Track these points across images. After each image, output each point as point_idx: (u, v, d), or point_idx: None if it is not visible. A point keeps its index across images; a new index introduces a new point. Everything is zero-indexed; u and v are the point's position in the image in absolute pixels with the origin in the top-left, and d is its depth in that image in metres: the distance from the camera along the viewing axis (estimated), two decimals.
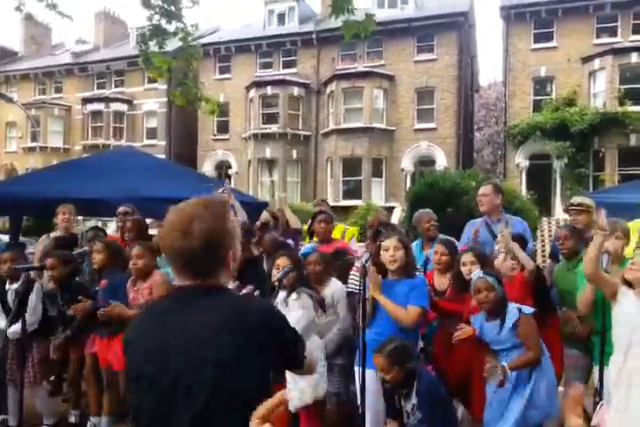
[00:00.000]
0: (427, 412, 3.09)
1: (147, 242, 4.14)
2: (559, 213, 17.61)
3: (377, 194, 21.41)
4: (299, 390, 3.56)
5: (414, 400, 3.15)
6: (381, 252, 3.57)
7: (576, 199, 4.77)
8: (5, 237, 7.78)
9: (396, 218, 17.24)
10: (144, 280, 3.93)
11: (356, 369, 3.58)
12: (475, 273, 3.47)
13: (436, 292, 4.13)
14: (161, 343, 1.47)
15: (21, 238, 8.16)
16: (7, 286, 4.34)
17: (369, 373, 3.44)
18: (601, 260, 3.73)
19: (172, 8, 5.99)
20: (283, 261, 3.70)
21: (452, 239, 4.53)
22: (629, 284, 3.00)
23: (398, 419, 3.28)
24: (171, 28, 6.20)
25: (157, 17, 6.10)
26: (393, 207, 19.72)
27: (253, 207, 6.59)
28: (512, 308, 3.31)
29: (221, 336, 1.43)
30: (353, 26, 5.03)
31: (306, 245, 5.14)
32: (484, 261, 3.78)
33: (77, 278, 4.51)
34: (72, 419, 4.63)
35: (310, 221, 5.27)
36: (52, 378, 4.72)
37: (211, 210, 1.54)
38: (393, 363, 3.16)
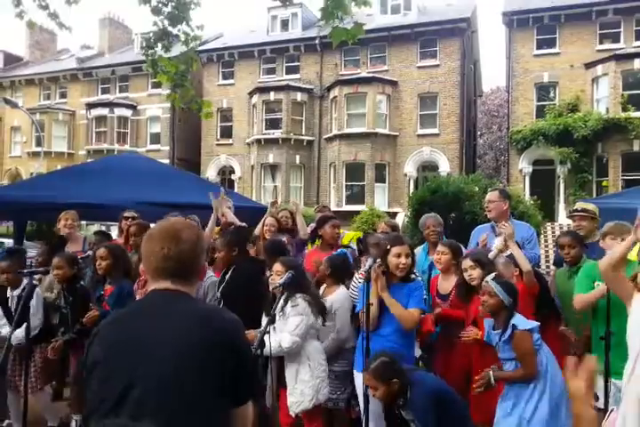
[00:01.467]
0: (424, 424, 3.04)
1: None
2: (563, 218, 17.59)
3: (380, 199, 21.41)
4: (298, 394, 3.56)
5: (409, 409, 3.12)
6: (390, 257, 3.52)
7: (579, 205, 4.77)
8: (10, 242, 7.80)
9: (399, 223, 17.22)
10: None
11: (356, 374, 3.59)
12: (488, 277, 3.44)
13: (439, 296, 4.13)
14: (124, 340, 1.59)
15: (25, 243, 8.19)
16: (9, 293, 4.35)
17: (356, 375, 3.49)
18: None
19: (178, 11, 6.01)
20: (278, 268, 3.69)
21: (456, 242, 4.52)
22: None
23: None
24: (175, 31, 6.21)
25: (165, 21, 6.12)
26: (396, 213, 19.72)
27: (255, 212, 6.60)
28: (511, 323, 3.24)
29: (181, 342, 1.54)
30: (341, 33, 5.12)
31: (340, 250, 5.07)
32: (485, 265, 3.74)
33: (82, 283, 4.52)
34: (74, 424, 4.62)
35: (316, 224, 5.24)
36: (54, 382, 4.73)
37: (192, 226, 1.82)
38: (378, 380, 3.11)
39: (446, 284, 4.18)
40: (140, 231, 4.88)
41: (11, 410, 4.38)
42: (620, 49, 19.08)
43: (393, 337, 3.45)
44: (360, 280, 3.84)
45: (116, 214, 5.57)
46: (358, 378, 3.47)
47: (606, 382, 3.17)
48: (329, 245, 5.03)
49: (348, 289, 4.18)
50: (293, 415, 3.63)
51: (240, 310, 3.56)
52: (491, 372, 3.24)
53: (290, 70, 24.21)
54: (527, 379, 3.17)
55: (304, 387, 3.55)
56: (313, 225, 5.36)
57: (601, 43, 19.74)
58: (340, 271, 4.19)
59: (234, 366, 1.58)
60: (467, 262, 3.80)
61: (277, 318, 3.57)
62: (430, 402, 3.02)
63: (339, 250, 4.78)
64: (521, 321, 3.24)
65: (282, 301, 3.46)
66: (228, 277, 4.17)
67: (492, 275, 3.44)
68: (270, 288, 3.60)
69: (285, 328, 3.56)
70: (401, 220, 18.18)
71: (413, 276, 3.65)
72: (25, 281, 4.38)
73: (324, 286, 4.25)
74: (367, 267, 3.41)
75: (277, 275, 3.65)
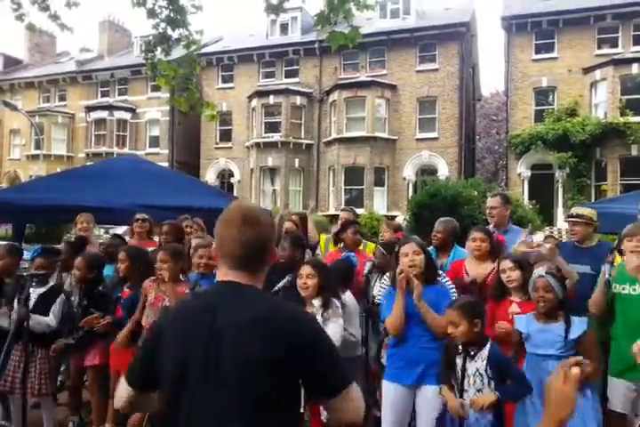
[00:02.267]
0: (496, 373, 2.92)
1: (173, 246, 4.15)
2: (561, 222, 17.60)
3: (379, 203, 21.43)
4: None
5: (481, 363, 2.97)
6: (401, 259, 3.44)
7: (575, 210, 4.77)
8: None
9: None
10: (169, 283, 3.87)
11: (385, 384, 3.49)
12: (537, 271, 3.39)
13: (461, 282, 4.01)
14: (187, 335, 1.52)
15: (24, 246, 8.17)
16: (32, 290, 4.31)
17: (389, 386, 3.41)
18: (603, 270, 3.74)
19: (178, 16, 6.03)
20: (308, 270, 3.58)
21: (488, 229, 4.49)
22: None
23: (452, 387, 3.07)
24: (175, 34, 6.23)
25: (163, 25, 6.14)
26: (395, 216, 19.74)
27: None
28: (581, 321, 3.20)
29: (244, 337, 1.46)
30: (339, 37, 5.17)
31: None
32: (525, 267, 3.66)
33: (100, 288, 4.52)
34: (71, 425, 4.61)
35: (340, 228, 5.26)
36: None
37: (267, 211, 1.73)
38: (463, 316, 2.98)
39: (479, 268, 4.09)
40: (172, 231, 4.94)
41: (12, 412, 4.36)
42: (619, 54, 19.16)
43: (425, 342, 3.35)
44: (384, 287, 3.78)
45: (116, 217, 5.59)
46: (386, 389, 3.44)
47: (605, 384, 3.19)
48: (348, 249, 5.04)
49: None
50: (325, 421, 3.53)
51: None
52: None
53: (289, 74, 24.27)
54: (596, 376, 3.14)
55: None
56: (337, 228, 5.39)
57: (599, 47, 19.82)
58: (346, 277, 4.17)
59: (311, 361, 1.49)
60: (506, 263, 3.68)
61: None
62: (509, 360, 2.98)
63: (343, 255, 4.79)
64: (580, 320, 3.22)
65: (318, 302, 3.43)
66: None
67: (544, 269, 3.39)
68: (301, 293, 3.53)
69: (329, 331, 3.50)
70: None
71: (439, 277, 3.57)
72: (50, 283, 4.44)
73: None
74: (365, 272, 3.40)
75: (308, 278, 3.54)
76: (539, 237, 4.51)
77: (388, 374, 3.47)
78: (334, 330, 3.42)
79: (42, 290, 4.27)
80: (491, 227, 4.87)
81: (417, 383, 3.33)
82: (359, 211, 19.85)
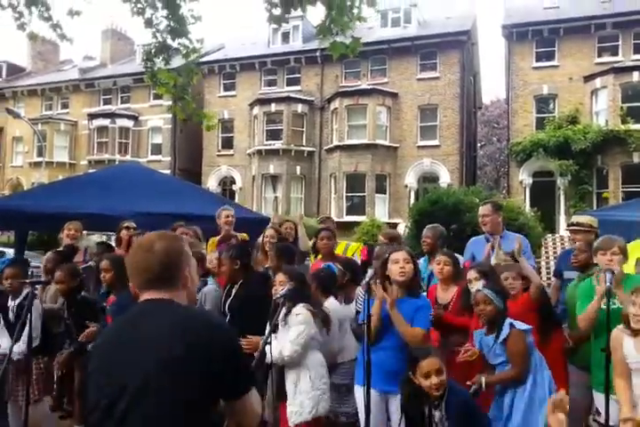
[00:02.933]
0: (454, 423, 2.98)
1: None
2: (563, 230, 17.58)
3: (380, 210, 21.43)
4: (298, 405, 3.54)
5: (443, 411, 3.02)
6: (389, 265, 3.50)
7: (575, 218, 4.79)
8: (10, 251, 7.81)
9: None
10: None
11: (357, 388, 3.54)
12: (477, 285, 3.49)
13: (438, 305, 4.12)
14: (112, 350, 1.70)
15: (27, 253, 8.19)
16: (9, 302, 4.34)
17: (373, 393, 3.38)
18: (605, 278, 3.74)
19: (177, 25, 6.08)
20: (281, 278, 3.69)
21: (453, 253, 4.53)
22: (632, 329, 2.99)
23: None
24: (175, 44, 6.28)
25: (163, 34, 6.20)
26: (397, 223, 19.73)
27: (256, 223, 6.62)
28: (507, 323, 3.31)
29: (163, 346, 1.59)
30: (340, 47, 5.31)
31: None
32: (489, 276, 3.77)
33: (83, 293, 4.52)
34: None
35: (315, 238, 5.26)
36: (54, 393, 4.71)
37: (169, 236, 1.87)
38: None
39: (445, 294, 4.18)
40: None
41: (10, 421, 4.36)
42: (619, 62, 19.21)
43: (394, 351, 3.40)
44: (364, 293, 3.82)
45: (117, 224, 5.58)
46: (359, 392, 3.44)
47: (607, 396, 3.15)
48: (326, 256, 5.02)
49: (338, 301, 4.18)
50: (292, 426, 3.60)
51: (250, 325, 3.58)
52: (483, 378, 3.25)
53: (291, 82, 24.38)
54: (517, 379, 3.22)
55: (304, 398, 3.52)
56: (313, 239, 5.36)
57: (599, 56, 19.89)
58: (326, 284, 4.17)
59: (221, 363, 1.62)
60: (472, 274, 3.81)
61: (280, 327, 3.56)
62: (469, 408, 3.03)
63: (323, 264, 4.78)
64: (517, 322, 3.31)
65: (284, 310, 3.45)
66: (235, 291, 4.15)
67: (481, 283, 3.49)
68: (273, 298, 3.60)
69: (287, 337, 3.55)
70: (401, 231, 18.19)
71: (420, 290, 3.64)
72: (25, 291, 4.40)
73: None
74: (367, 279, 3.41)
75: (280, 285, 3.63)
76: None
77: (358, 379, 3.47)
78: (291, 335, 3.51)
79: (18, 300, 4.26)
80: (485, 234, 4.91)
81: (387, 391, 3.38)
82: (361, 218, 19.97)
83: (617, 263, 3.52)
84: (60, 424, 4.64)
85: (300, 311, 3.56)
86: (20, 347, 3.87)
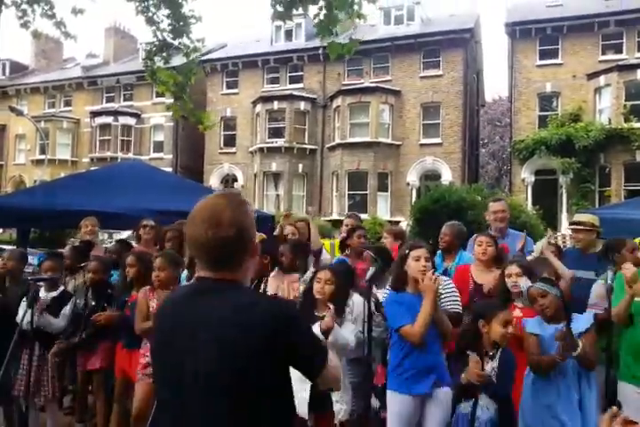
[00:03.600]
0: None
1: (170, 254, 4.17)
2: (565, 228, 17.55)
3: (382, 208, 21.42)
4: (345, 402, 3.50)
5: (496, 362, 3.04)
6: (410, 262, 3.35)
7: (576, 217, 4.79)
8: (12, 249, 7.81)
9: None
10: (164, 291, 3.88)
11: (392, 394, 3.37)
12: (522, 286, 3.44)
13: (475, 284, 4.02)
14: (172, 329, 1.56)
15: (28, 250, 8.20)
16: (44, 294, 4.32)
17: (397, 397, 3.31)
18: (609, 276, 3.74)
19: (178, 24, 6.09)
20: (324, 275, 3.54)
21: (493, 235, 4.50)
22: None
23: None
24: (176, 43, 6.30)
25: (163, 33, 6.22)
26: (398, 222, 19.71)
27: (259, 220, 6.61)
28: (583, 315, 3.27)
29: (223, 330, 1.47)
30: (337, 47, 5.34)
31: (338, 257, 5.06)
32: (531, 272, 3.68)
33: (109, 291, 4.55)
34: None
35: (346, 234, 5.19)
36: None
37: (234, 201, 1.59)
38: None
39: (487, 276, 4.07)
40: (176, 237, 4.90)
41: (14, 419, 4.35)
42: (623, 60, 19.15)
43: (436, 349, 3.31)
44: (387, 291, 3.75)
45: (119, 222, 5.60)
46: (395, 398, 3.35)
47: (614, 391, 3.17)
48: (357, 253, 4.99)
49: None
50: (338, 424, 3.52)
51: None
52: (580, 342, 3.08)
53: (293, 80, 24.35)
54: (593, 365, 3.14)
55: (345, 395, 3.50)
56: (343, 235, 5.32)
57: (603, 53, 19.82)
58: (350, 279, 4.16)
59: (289, 346, 1.49)
60: (513, 269, 3.68)
61: (346, 318, 3.54)
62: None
63: (336, 258, 4.78)
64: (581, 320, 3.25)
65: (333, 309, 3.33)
66: (263, 286, 4.15)
67: (527, 282, 3.45)
68: (316, 296, 3.50)
69: (345, 328, 3.47)
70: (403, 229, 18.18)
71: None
72: (61, 287, 4.50)
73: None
74: (367, 278, 3.39)
75: (327, 284, 3.50)
76: (540, 244, 4.49)
77: (395, 385, 3.31)
78: (349, 331, 3.44)
79: (54, 294, 4.33)
80: (493, 232, 4.88)
81: (431, 391, 3.25)
82: (362, 216, 19.85)
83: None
84: (61, 421, 4.65)
85: (352, 308, 3.56)
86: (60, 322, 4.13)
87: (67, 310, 4.29)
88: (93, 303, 4.43)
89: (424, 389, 3.22)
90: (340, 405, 3.48)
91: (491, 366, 3.02)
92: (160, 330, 1.64)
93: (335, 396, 3.46)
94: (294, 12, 5.74)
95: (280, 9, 5.53)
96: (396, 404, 3.29)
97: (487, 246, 4.14)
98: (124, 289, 4.42)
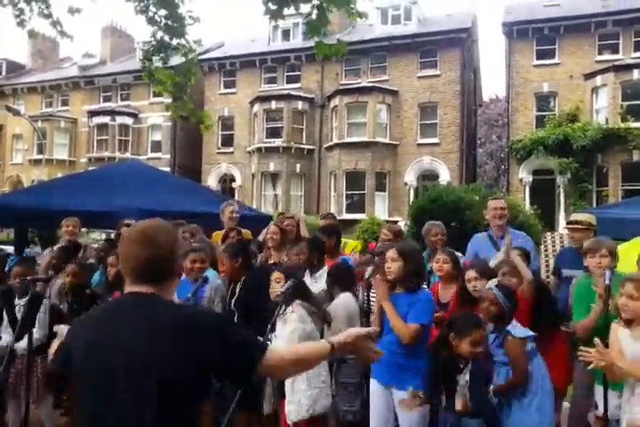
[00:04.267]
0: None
1: None
2: (563, 228, 17.58)
3: (380, 208, 21.43)
4: (296, 403, 3.53)
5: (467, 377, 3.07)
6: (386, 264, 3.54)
7: (573, 217, 4.80)
8: (10, 248, 7.82)
9: None
10: None
11: (372, 382, 3.60)
12: (489, 283, 3.47)
13: (439, 304, 4.12)
14: (96, 342, 1.66)
15: (26, 250, 8.19)
16: (16, 301, 4.31)
17: (375, 385, 3.45)
18: (605, 276, 3.74)
19: (176, 24, 6.09)
20: (278, 275, 3.68)
21: (453, 251, 4.53)
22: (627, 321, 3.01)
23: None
24: (173, 43, 6.29)
25: (161, 33, 6.20)
26: (396, 221, 19.73)
27: (258, 220, 6.63)
28: (509, 327, 3.27)
29: (148, 341, 1.58)
30: (324, 47, 5.36)
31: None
32: (489, 275, 3.75)
33: (87, 291, 4.52)
34: None
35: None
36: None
37: (165, 226, 1.80)
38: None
39: (446, 292, 4.17)
40: None
41: (11, 418, 4.36)
42: (619, 60, 19.21)
43: (394, 346, 3.39)
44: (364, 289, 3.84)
45: (117, 222, 5.58)
46: (374, 385, 3.54)
47: (606, 389, 3.15)
48: (329, 253, 5.01)
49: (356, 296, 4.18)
50: (291, 424, 3.60)
51: (255, 322, 3.58)
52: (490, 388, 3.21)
53: (291, 79, 24.35)
54: (518, 385, 3.20)
55: (301, 396, 3.50)
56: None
57: (600, 54, 19.87)
58: (341, 279, 4.18)
59: (222, 344, 1.62)
60: (470, 273, 3.79)
61: (279, 325, 3.56)
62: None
63: (340, 258, 4.79)
64: (517, 329, 3.27)
65: (282, 308, 3.45)
66: (238, 289, 4.15)
67: (494, 282, 3.46)
68: (271, 296, 3.59)
69: (282, 334, 3.55)
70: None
71: (423, 286, 3.62)
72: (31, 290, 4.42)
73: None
74: (366, 275, 3.42)
75: (277, 282, 3.63)
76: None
77: (373, 373, 3.58)
78: (285, 332, 3.51)
79: (26, 299, 4.26)
80: (495, 231, 4.90)
81: (389, 385, 3.45)
82: (360, 216, 19.93)
83: (606, 266, 3.50)
84: (59, 421, 4.64)
85: (295, 309, 3.55)
86: (23, 345, 3.87)
87: (40, 316, 4.18)
88: (76, 307, 4.36)
89: (381, 378, 3.44)
90: (292, 405, 3.53)
91: (464, 379, 3.04)
92: (89, 342, 1.69)
93: (288, 396, 3.54)
94: (287, 11, 5.71)
95: (272, 7, 5.51)
96: (371, 388, 3.55)
97: (443, 264, 4.19)
98: (107, 289, 4.40)
